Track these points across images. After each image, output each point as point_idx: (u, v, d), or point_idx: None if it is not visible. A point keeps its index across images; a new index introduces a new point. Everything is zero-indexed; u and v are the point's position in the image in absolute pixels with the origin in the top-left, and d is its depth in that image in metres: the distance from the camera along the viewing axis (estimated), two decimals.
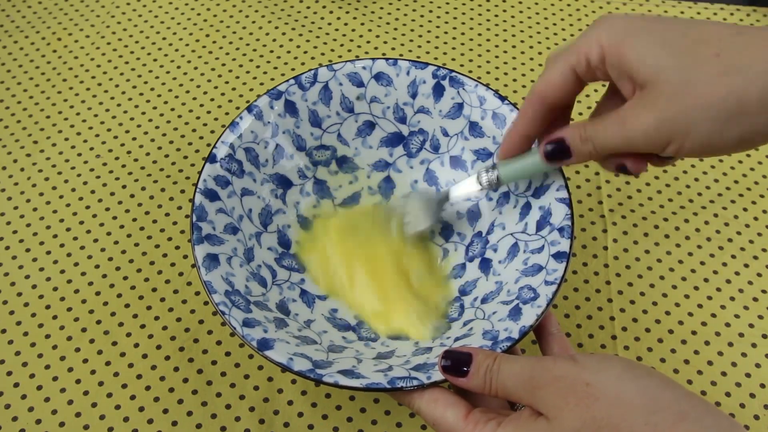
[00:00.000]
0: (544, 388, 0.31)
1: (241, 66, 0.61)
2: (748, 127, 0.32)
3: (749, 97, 0.31)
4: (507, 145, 0.41)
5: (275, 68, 0.61)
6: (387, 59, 0.49)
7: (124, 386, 0.45)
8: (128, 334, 0.47)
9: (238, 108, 0.59)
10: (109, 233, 0.52)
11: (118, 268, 0.50)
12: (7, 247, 0.51)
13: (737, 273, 0.50)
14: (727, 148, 0.33)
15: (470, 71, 0.61)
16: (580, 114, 0.58)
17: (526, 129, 0.40)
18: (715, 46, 0.32)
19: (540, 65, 0.62)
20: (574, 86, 0.37)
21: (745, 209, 0.53)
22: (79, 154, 0.56)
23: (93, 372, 0.46)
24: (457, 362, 0.35)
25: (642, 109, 0.33)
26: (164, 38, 0.63)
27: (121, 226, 0.52)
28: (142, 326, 0.47)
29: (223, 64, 0.61)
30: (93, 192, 0.54)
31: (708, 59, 0.32)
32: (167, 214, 0.53)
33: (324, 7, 0.66)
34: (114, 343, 0.47)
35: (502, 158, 0.42)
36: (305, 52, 0.62)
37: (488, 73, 0.61)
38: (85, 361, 0.46)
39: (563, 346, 0.39)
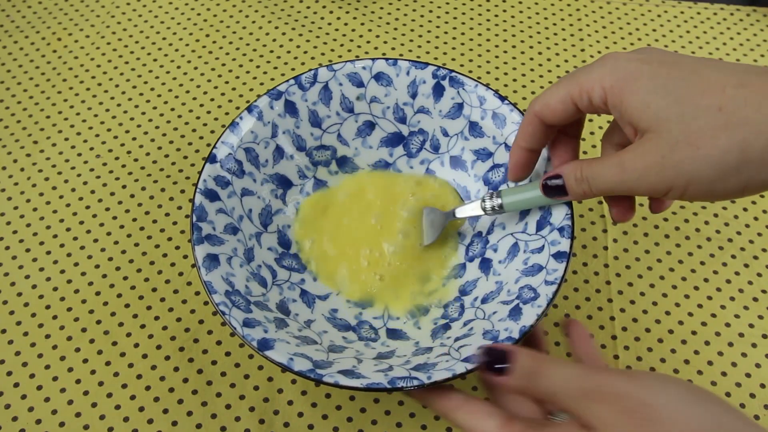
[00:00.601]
0: (598, 403, 0.30)
1: (241, 66, 0.61)
2: (752, 177, 0.32)
3: (752, 150, 0.31)
4: (513, 161, 0.42)
5: (275, 68, 0.61)
6: (387, 59, 0.49)
7: (124, 386, 0.45)
8: (128, 334, 0.47)
9: (238, 108, 0.59)
10: (109, 233, 0.52)
11: (118, 268, 0.50)
12: (7, 247, 0.51)
13: (737, 273, 0.50)
14: (730, 194, 0.33)
15: (470, 71, 0.61)
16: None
17: (528, 143, 0.41)
18: (718, 99, 0.32)
19: (540, 65, 0.62)
20: (572, 114, 0.38)
21: (745, 209, 0.53)
22: (79, 154, 0.56)
23: (93, 372, 0.46)
24: (496, 360, 0.34)
25: (642, 156, 0.34)
26: (164, 38, 0.63)
27: (121, 226, 0.52)
28: (142, 326, 0.47)
29: (223, 64, 0.61)
30: (93, 192, 0.54)
31: (710, 112, 0.32)
32: (167, 214, 0.53)
33: (324, 7, 0.66)
34: (114, 343, 0.47)
35: (513, 175, 0.43)
36: (305, 52, 0.62)
37: (488, 73, 0.61)
38: (85, 361, 0.46)
39: (591, 355, 0.39)
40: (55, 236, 0.51)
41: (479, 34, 0.64)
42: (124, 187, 0.54)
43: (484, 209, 0.44)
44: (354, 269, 0.46)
